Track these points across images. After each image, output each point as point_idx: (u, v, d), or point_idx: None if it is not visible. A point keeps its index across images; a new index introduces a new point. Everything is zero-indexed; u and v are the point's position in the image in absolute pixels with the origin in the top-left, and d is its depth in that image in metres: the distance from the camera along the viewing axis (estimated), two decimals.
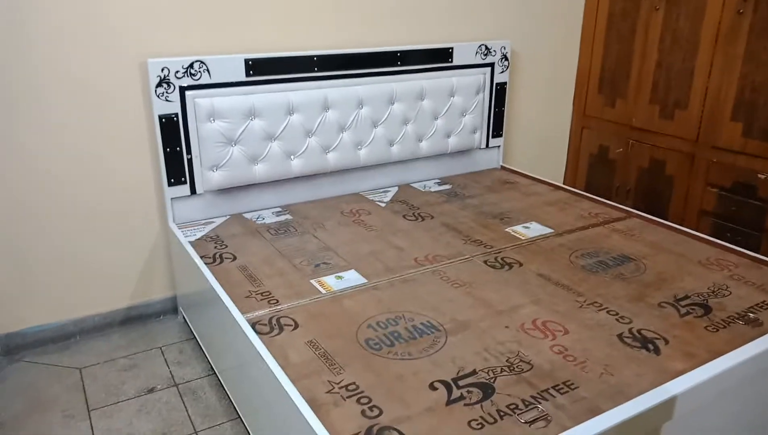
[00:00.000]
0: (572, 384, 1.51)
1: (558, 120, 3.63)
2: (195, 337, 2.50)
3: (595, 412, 1.41)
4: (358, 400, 1.46)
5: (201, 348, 2.43)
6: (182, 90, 2.38)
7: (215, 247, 2.30)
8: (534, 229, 2.47)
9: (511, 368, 1.58)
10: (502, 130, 3.29)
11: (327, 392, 1.49)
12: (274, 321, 1.79)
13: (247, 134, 2.50)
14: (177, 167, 2.45)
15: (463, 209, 2.70)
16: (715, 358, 1.58)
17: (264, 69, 2.51)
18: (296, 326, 1.77)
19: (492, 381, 1.53)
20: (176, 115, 2.39)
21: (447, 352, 1.65)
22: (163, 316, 2.71)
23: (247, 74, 2.49)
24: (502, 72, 3.18)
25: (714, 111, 2.92)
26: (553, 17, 3.36)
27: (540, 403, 1.45)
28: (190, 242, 2.33)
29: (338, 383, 1.52)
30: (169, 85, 2.35)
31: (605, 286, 2.01)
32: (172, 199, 2.49)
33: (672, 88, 3.08)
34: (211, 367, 2.33)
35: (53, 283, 2.44)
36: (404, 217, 2.61)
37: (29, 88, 2.19)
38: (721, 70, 2.86)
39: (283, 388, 1.48)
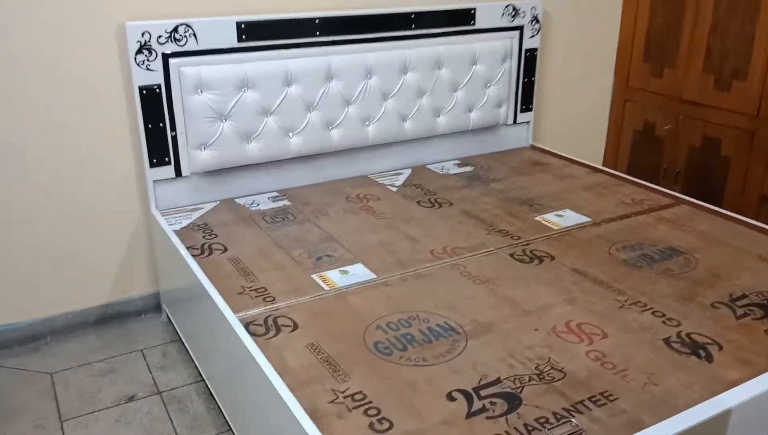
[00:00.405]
0: (611, 395, 1.51)
1: (597, 92, 3.61)
2: (180, 338, 2.52)
3: (636, 426, 1.41)
4: (365, 412, 1.46)
5: (187, 351, 2.44)
6: (165, 57, 2.38)
7: (203, 237, 2.31)
8: (568, 218, 2.46)
9: (541, 376, 1.57)
10: (531, 104, 3.27)
11: (330, 402, 1.49)
12: (270, 321, 1.80)
13: (240, 108, 2.50)
14: (160, 146, 2.46)
15: (486, 194, 2.69)
16: None
17: (258, 33, 2.51)
18: (295, 327, 1.77)
19: (519, 391, 1.52)
20: (159, 86, 2.39)
21: (467, 357, 1.65)
22: (145, 314, 2.72)
23: (239, 39, 2.48)
24: (533, 36, 3.15)
25: None
26: None
27: (574, 416, 1.44)
28: (174, 231, 2.34)
29: (343, 392, 1.52)
30: (150, 52, 2.35)
31: (650, 283, 2.00)
32: (154, 181, 2.49)
33: (729, 55, 3.04)
34: (199, 373, 2.34)
35: (18, 277, 2.46)
36: (419, 203, 2.60)
37: None
38: None
39: (280, 396, 1.49)
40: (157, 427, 2.10)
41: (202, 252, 2.20)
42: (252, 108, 2.52)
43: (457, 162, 3.10)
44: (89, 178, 2.46)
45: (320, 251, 2.19)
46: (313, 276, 2.03)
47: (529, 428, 1.41)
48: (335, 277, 2.03)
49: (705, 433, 1.43)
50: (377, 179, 2.87)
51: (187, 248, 2.20)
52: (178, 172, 2.52)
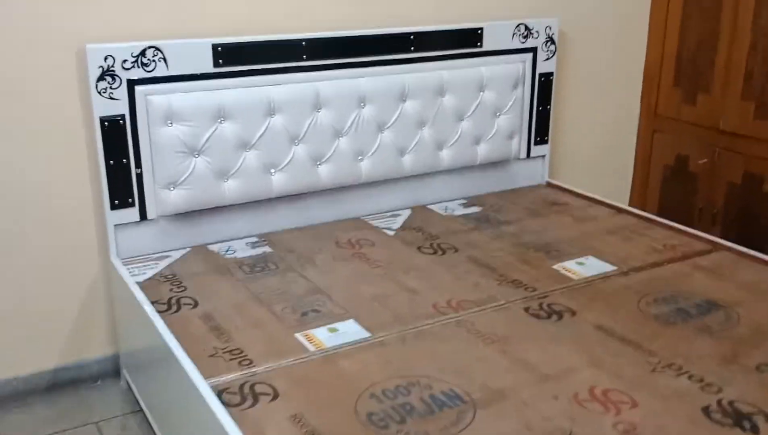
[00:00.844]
0: None
1: (621, 122, 3.64)
2: (142, 408, 2.50)
3: None
4: None
5: (149, 424, 2.42)
6: (131, 84, 2.40)
7: (171, 290, 2.30)
8: (591, 266, 2.46)
9: None
10: (547, 136, 3.30)
11: None
12: (246, 388, 1.78)
13: (215, 142, 2.52)
14: (123, 185, 2.47)
15: (496, 239, 2.69)
16: None
17: (237, 57, 2.54)
18: (276, 396, 1.76)
19: None
20: (123, 117, 2.42)
21: (476, 431, 1.63)
22: (102, 380, 2.70)
23: (216, 64, 2.51)
24: (548, 59, 3.20)
25: None
26: None
27: None
28: (138, 283, 2.34)
29: None
30: (113, 79, 2.38)
31: (686, 342, 1.99)
32: (115, 226, 2.50)
33: None
34: None
35: None
36: (419, 249, 2.61)
37: None
38: None
39: None
40: None
41: (170, 307, 2.19)
42: (229, 141, 2.54)
43: (462, 202, 3.12)
44: (40, 222, 2.47)
45: (306, 306, 2.19)
46: (298, 335, 2.03)
47: None
48: (323, 337, 2.02)
49: None
50: (371, 222, 2.88)
51: (152, 303, 2.19)
52: (143, 215, 2.52)
